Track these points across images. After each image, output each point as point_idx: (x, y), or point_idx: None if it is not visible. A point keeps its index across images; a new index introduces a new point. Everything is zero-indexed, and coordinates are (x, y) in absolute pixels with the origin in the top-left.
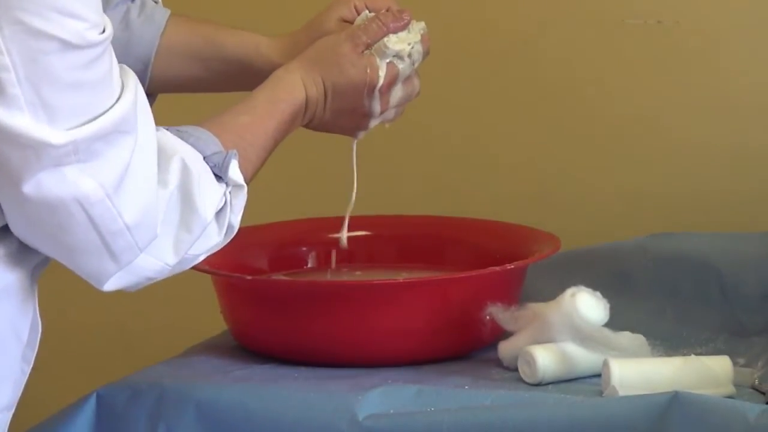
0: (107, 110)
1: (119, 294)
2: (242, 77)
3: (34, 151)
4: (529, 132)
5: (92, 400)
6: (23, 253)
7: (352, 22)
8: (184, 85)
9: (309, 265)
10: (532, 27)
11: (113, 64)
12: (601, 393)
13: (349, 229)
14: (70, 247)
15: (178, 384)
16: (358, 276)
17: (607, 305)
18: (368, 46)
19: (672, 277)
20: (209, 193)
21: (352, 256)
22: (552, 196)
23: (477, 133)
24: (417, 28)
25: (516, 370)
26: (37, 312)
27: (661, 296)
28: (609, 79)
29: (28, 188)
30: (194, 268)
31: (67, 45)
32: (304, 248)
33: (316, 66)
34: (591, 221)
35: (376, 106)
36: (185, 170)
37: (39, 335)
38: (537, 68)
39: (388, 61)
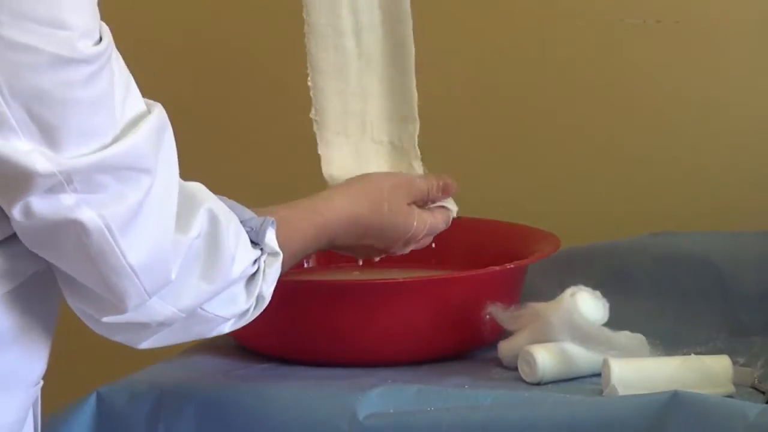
0: (112, 143)
1: None
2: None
3: (22, 176)
4: (528, 131)
5: (92, 400)
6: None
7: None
8: None
9: (308, 265)
10: (531, 26)
11: (119, 87)
12: (601, 392)
13: None
14: (74, 271)
15: (178, 384)
16: (358, 276)
17: (607, 304)
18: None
19: (672, 276)
20: (240, 249)
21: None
22: (552, 195)
23: (477, 133)
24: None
25: (516, 369)
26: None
27: (660, 295)
28: (608, 78)
29: (17, 212)
30: None
31: (54, 58)
32: None
33: (366, 202)
34: (591, 220)
35: (406, 251)
36: (213, 220)
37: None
38: (536, 67)
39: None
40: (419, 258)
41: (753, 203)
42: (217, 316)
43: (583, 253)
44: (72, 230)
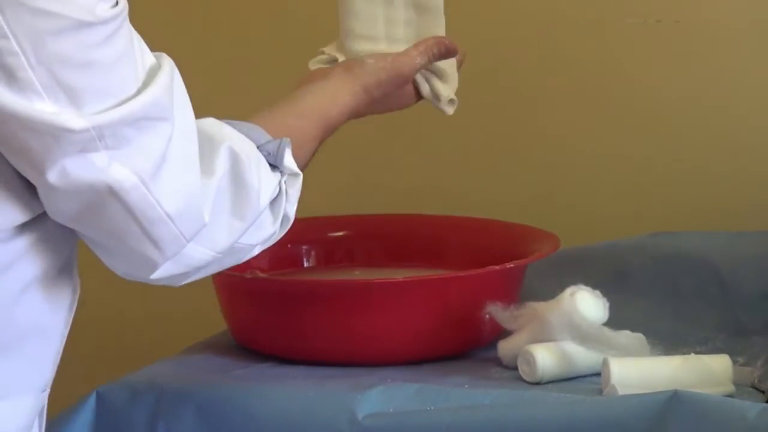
0: (136, 95)
1: (118, 293)
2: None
3: (53, 137)
4: (528, 131)
5: (92, 400)
6: (60, 233)
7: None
8: None
9: (309, 264)
10: (531, 26)
11: (135, 43)
12: (600, 392)
13: (348, 229)
14: (113, 235)
15: (178, 383)
16: (358, 275)
17: (607, 304)
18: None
19: (672, 276)
20: (263, 180)
21: (351, 255)
22: (551, 194)
23: (476, 133)
24: None
25: (515, 369)
26: (77, 290)
27: (660, 295)
28: (609, 78)
29: (53, 176)
30: None
31: (75, 23)
32: (304, 247)
33: (363, 94)
34: (590, 220)
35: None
36: (234, 157)
37: (73, 313)
38: (536, 67)
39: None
40: (419, 257)
41: (752, 203)
42: (248, 245)
43: (583, 253)
44: (109, 191)
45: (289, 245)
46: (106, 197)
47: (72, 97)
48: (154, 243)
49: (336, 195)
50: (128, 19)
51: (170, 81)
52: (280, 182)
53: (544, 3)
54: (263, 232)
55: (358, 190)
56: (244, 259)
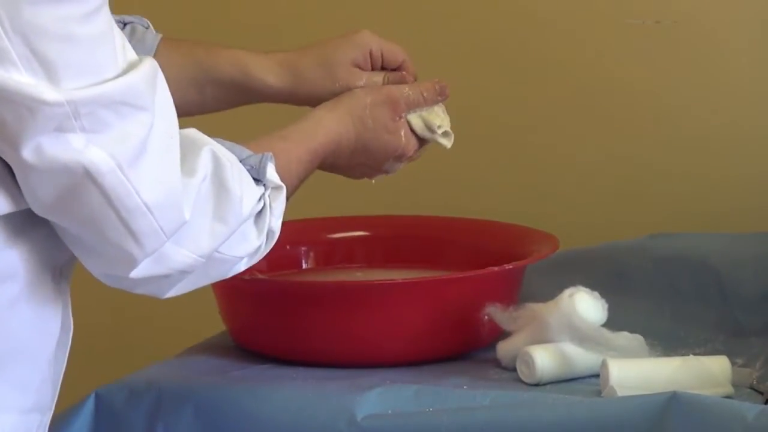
0: (114, 78)
1: (118, 293)
2: (236, 97)
3: (29, 109)
4: (528, 132)
5: (91, 400)
6: (47, 251)
7: (362, 68)
8: (180, 108)
9: (307, 266)
10: (531, 26)
11: (117, 34)
12: (599, 393)
13: (347, 230)
14: (91, 225)
15: (177, 384)
16: (357, 276)
17: (606, 305)
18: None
19: (670, 278)
20: (246, 188)
21: (350, 256)
22: (551, 196)
23: (476, 133)
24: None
25: (514, 370)
26: (69, 312)
27: (659, 296)
28: (608, 78)
29: (28, 153)
30: None
31: None
32: (303, 248)
33: (350, 119)
34: (590, 221)
35: (397, 168)
36: (217, 161)
37: (70, 335)
38: (536, 67)
39: (419, 131)
40: (418, 258)
41: (751, 205)
42: (233, 256)
43: (582, 254)
44: (85, 174)
45: (288, 246)
46: (82, 180)
47: (48, 70)
48: (133, 235)
49: (335, 196)
50: (109, 8)
51: (153, 76)
52: (263, 196)
53: (543, 3)
54: (248, 245)
55: (356, 192)
56: (230, 273)
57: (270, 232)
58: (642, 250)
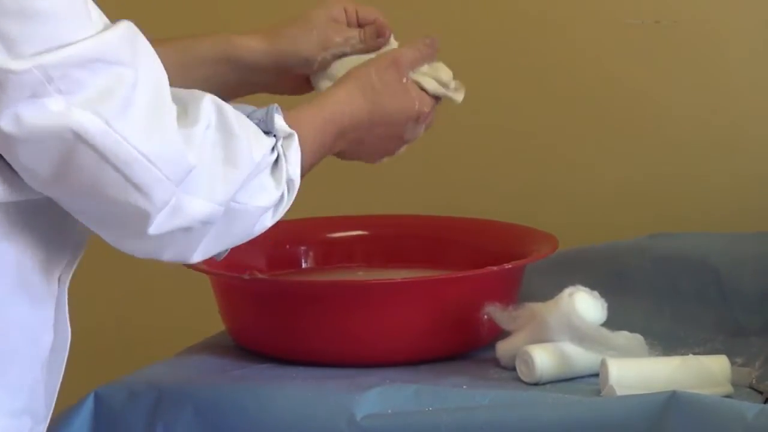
0: (85, 39)
1: (117, 293)
2: (222, 70)
3: None
4: (527, 131)
5: (90, 400)
6: (41, 253)
7: (338, 21)
8: None
9: (307, 265)
10: (531, 26)
11: (90, 3)
12: (598, 393)
13: (347, 229)
14: (95, 190)
15: (176, 384)
16: (356, 276)
17: (605, 305)
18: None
19: (670, 277)
20: (252, 137)
21: (350, 256)
22: (550, 195)
23: (476, 133)
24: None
25: (514, 369)
26: (66, 317)
27: (659, 296)
28: (608, 78)
29: (7, 124)
30: (193, 267)
31: None
32: (303, 248)
33: (359, 91)
34: (589, 221)
35: (419, 133)
36: (219, 108)
37: (68, 341)
38: (536, 68)
39: (431, 89)
40: (417, 258)
41: (751, 205)
42: (255, 207)
43: (582, 253)
44: (75, 137)
45: (287, 246)
46: (74, 145)
47: (9, 45)
48: (138, 188)
49: (335, 196)
50: None
51: (131, 34)
52: (275, 146)
53: (543, 3)
54: (268, 195)
55: (356, 191)
56: (257, 229)
57: (290, 181)
58: (642, 250)
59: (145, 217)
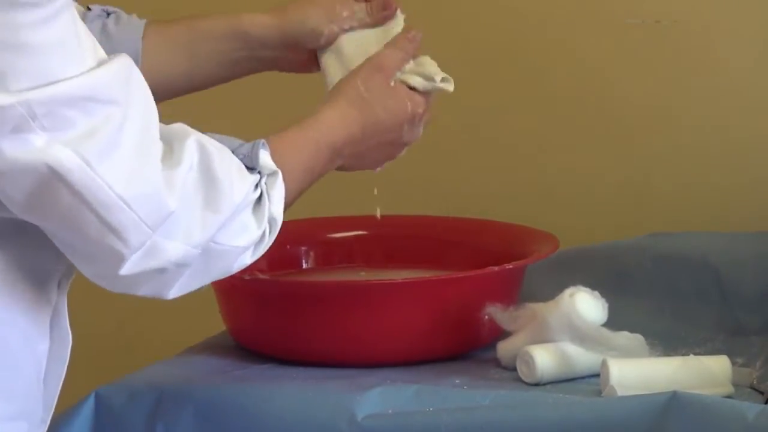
0: (77, 76)
1: (117, 294)
2: (229, 46)
3: None
4: (528, 131)
5: (91, 400)
6: (36, 262)
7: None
8: (175, 84)
9: (307, 265)
10: (531, 26)
11: (84, 34)
12: (599, 393)
13: (347, 230)
14: (70, 225)
15: (177, 384)
16: (357, 276)
17: (606, 305)
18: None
19: (671, 277)
20: (235, 174)
21: (350, 256)
22: (551, 195)
23: (476, 133)
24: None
25: (515, 370)
26: (66, 323)
27: (659, 296)
28: (608, 78)
29: None
30: None
31: (5, 2)
32: (303, 248)
33: (346, 103)
34: (590, 221)
35: (418, 134)
36: (202, 149)
37: (68, 347)
38: (536, 68)
39: (420, 87)
40: (418, 258)
41: (751, 204)
42: (233, 247)
43: (583, 253)
44: (51, 172)
45: (288, 246)
46: (49, 180)
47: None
48: (114, 231)
49: (335, 196)
50: (73, 9)
51: (126, 71)
52: (259, 183)
53: (543, 3)
54: (249, 234)
55: (356, 191)
56: (235, 267)
57: (272, 220)
58: (642, 249)
59: (118, 257)
